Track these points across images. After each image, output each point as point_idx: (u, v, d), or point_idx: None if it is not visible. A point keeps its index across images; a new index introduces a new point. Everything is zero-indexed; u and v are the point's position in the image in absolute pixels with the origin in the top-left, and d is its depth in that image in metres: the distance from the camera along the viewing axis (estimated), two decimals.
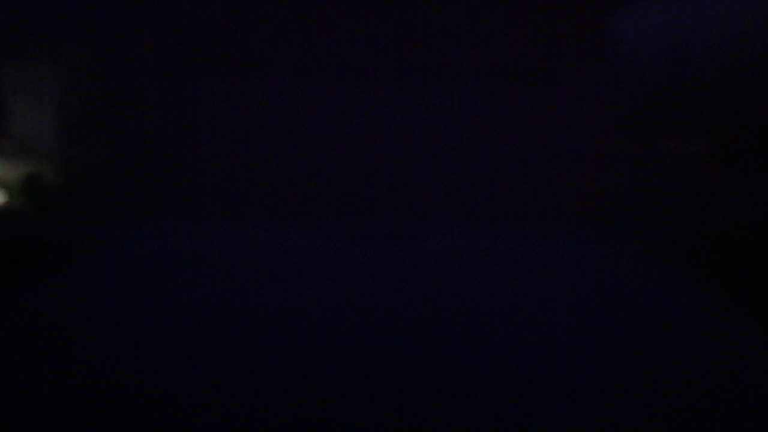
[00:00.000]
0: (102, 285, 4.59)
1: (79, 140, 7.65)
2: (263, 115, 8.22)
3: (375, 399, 2.99)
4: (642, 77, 7.75)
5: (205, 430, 2.64)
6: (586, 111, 8.38)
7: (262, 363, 3.31)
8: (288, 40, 8.23)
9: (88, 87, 7.75)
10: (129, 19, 7.76)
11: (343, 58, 8.47)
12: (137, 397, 2.89)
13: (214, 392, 2.96)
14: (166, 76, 8.03)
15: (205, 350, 3.42)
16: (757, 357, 3.58)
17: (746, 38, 5.71)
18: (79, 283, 4.64)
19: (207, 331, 3.70)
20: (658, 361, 3.41)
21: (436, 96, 8.54)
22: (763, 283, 4.63)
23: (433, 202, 8.56)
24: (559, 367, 3.30)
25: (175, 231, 6.74)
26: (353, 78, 8.47)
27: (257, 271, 5.05)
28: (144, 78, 8.00)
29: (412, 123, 8.49)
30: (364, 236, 6.76)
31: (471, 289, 4.69)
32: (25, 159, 7.46)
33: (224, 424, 2.69)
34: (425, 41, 8.44)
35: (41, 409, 2.79)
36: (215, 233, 6.69)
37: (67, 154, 7.57)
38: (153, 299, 4.31)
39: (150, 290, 4.51)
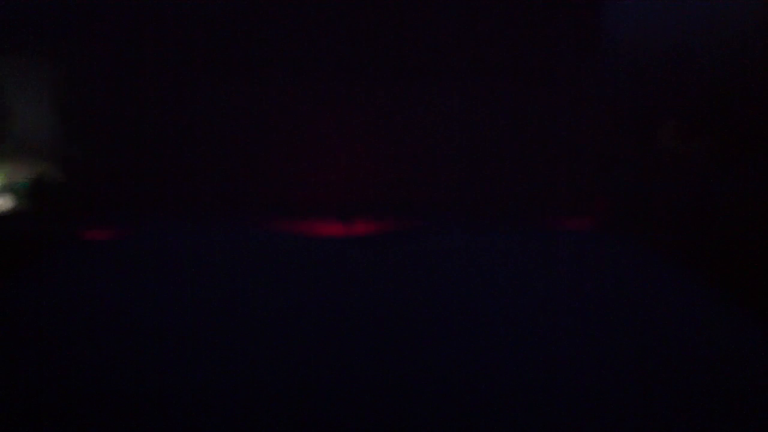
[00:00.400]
0: (98, 284, 4.68)
1: (83, 141, 7.75)
2: (262, 114, 8.32)
3: (374, 400, 3.04)
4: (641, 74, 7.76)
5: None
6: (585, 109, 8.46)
7: (259, 364, 3.37)
8: (287, 39, 8.30)
9: (92, 87, 7.84)
10: (131, 18, 7.85)
11: (341, 57, 8.54)
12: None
13: (209, 393, 3.02)
14: (169, 75, 8.12)
15: (200, 351, 3.49)
16: (758, 356, 3.62)
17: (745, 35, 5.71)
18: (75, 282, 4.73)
19: (201, 332, 3.77)
20: (657, 360, 3.45)
21: (434, 95, 8.61)
22: (763, 282, 4.64)
23: (434, 201, 8.63)
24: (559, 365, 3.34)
25: (179, 230, 6.83)
26: (351, 76, 8.55)
27: (255, 270, 5.13)
28: (148, 78, 8.09)
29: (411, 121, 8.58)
30: (364, 236, 6.83)
31: (472, 288, 4.74)
32: (32, 161, 7.55)
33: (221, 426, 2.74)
34: (425, 39, 8.50)
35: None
36: (216, 232, 6.77)
37: (74, 155, 7.67)
38: (148, 299, 4.39)
39: (146, 290, 4.60)
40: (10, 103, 7.55)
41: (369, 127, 8.72)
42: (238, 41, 8.38)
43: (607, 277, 5.12)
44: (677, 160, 7.07)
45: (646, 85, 7.57)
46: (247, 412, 2.90)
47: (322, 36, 8.38)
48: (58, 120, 7.72)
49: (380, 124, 8.72)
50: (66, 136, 7.76)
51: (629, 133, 7.94)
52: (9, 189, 7.42)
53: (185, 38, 8.21)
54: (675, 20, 7.06)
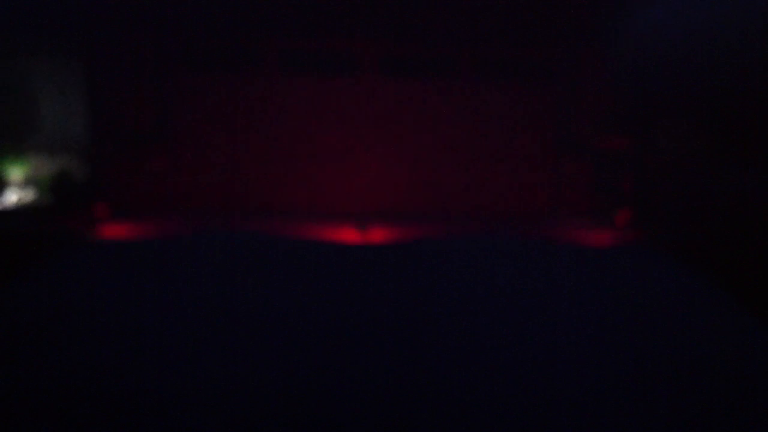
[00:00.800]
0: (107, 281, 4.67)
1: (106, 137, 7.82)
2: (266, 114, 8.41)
3: (375, 400, 2.97)
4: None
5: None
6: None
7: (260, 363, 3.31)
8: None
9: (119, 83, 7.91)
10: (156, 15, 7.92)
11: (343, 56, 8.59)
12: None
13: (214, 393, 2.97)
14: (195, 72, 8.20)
15: (207, 350, 3.45)
16: (757, 353, 3.51)
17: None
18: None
19: (207, 332, 3.74)
20: (660, 358, 3.35)
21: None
22: (763, 281, 4.51)
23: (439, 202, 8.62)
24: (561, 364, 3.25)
25: (196, 232, 6.83)
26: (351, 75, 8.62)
27: (267, 274, 5.08)
28: (175, 73, 8.15)
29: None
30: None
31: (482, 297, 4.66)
32: (55, 155, 7.61)
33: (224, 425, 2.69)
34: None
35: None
36: (230, 236, 6.75)
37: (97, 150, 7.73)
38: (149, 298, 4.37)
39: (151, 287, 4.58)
40: (35, 99, 7.64)
41: (386, 137, 8.72)
42: (268, 59, 8.47)
43: (624, 289, 5.02)
44: (686, 162, 6.92)
45: (661, 87, 7.43)
46: (251, 410, 2.84)
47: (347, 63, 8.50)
48: (81, 118, 7.79)
49: (396, 135, 8.71)
50: (88, 134, 7.83)
51: (646, 139, 7.82)
52: (31, 182, 7.49)
53: (215, 46, 8.27)
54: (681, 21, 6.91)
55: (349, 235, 6.94)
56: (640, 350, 3.68)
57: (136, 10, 7.84)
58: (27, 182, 7.66)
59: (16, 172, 7.73)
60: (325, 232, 7.06)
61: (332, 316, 4.23)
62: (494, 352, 3.65)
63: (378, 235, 6.97)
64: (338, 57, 8.66)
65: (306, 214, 8.21)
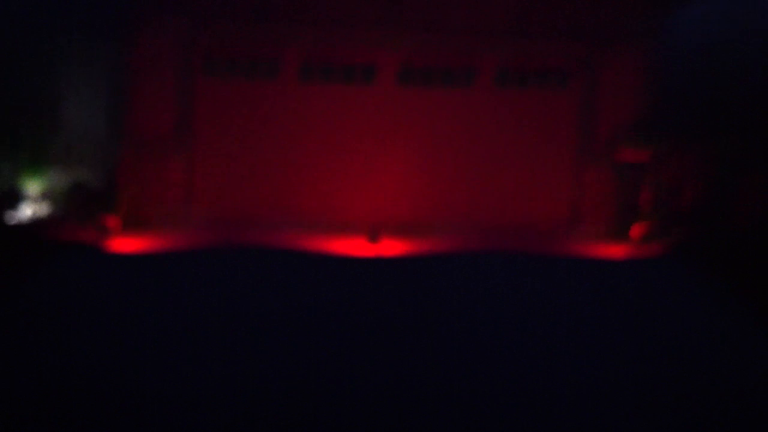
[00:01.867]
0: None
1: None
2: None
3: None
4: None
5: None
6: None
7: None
8: None
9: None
10: None
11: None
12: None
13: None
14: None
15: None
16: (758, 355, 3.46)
17: None
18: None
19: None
20: (662, 359, 3.33)
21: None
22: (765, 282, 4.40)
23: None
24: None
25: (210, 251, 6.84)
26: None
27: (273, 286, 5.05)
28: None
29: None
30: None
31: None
32: (72, 167, 7.68)
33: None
34: None
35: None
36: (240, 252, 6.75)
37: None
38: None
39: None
40: (54, 112, 7.72)
41: (402, 148, 8.68)
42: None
43: (638, 300, 4.89)
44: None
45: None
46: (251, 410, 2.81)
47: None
48: (98, 130, 7.85)
49: (412, 146, 8.67)
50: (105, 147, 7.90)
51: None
52: (47, 195, 7.56)
53: None
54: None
55: (360, 247, 6.89)
56: (653, 360, 3.62)
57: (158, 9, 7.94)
58: (43, 196, 7.73)
59: (33, 186, 7.82)
60: (336, 243, 7.02)
61: (336, 329, 4.20)
62: (504, 360, 3.63)
63: (389, 247, 6.91)
64: (356, 67, 8.68)
65: (319, 224, 8.18)
